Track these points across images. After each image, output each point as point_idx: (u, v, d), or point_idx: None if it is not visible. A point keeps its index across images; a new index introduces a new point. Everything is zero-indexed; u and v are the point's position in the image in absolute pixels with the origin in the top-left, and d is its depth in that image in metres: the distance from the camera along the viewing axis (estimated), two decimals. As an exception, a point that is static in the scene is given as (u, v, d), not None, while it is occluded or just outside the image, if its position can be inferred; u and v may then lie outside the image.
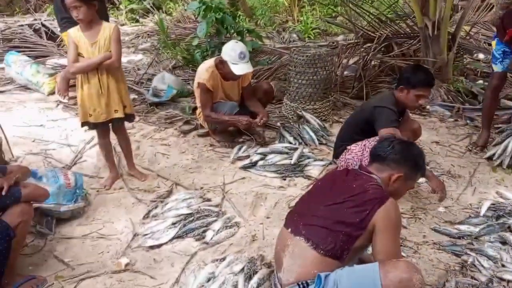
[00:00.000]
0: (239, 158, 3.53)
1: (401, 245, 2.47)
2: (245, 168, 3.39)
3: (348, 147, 2.94)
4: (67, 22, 3.68)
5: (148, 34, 7.80)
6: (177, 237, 2.56)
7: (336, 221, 1.81)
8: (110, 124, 3.04)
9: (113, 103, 2.91)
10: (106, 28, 2.82)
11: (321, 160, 3.48)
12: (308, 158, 3.50)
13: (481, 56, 5.63)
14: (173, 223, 2.64)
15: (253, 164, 3.42)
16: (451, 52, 4.76)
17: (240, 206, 2.89)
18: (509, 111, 4.25)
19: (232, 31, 5.33)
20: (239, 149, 3.63)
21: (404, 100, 2.87)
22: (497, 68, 3.46)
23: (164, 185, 3.16)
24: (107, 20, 3.39)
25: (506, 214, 2.73)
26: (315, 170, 3.35)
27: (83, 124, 3.01)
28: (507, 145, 3.39)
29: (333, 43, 6.19)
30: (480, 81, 4.91)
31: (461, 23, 4.93)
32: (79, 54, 2.80)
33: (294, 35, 7.66)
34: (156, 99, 4.59)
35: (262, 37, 6.20)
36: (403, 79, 2.86)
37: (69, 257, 2.46)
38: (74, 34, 2.81)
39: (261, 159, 3.46)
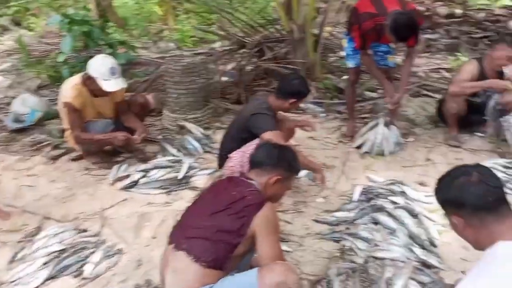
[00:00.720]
0: (119, 179, 3.31)
1: (287, 241, 2.57)
2: (126, 188, 3.20)
3: (229, 155, 2.98)
4: None
5: (7, 54, 6.99)
6: (51, 278, 2.29)
7: (217, 230, 1.80)
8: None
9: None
10: None
11: (206, 169, 3.45)
12: (193, 168, 3.45)
13: (343, 53, 6.17)
14: (45, 263, 2.36)
15: (135, 183, 3.24)
16: (317, 52, 5.13)
17: (122, 231, 2.71)
18: (371, 101, 4.74)
19: (102, 43, 5.05)
20: (119, 168, 3.42)
21: (280, 107, 3.01)
22: (350, 64, 3.81)
23: (33, 222, 2.82)
24: None
25: (375, 196, 2.97)
26: (201, 180, 3.30)
27: None
28: (375, 136, 3.71)
29: (211, 49, 6.24)
30: (346, 77, 5.36)
31: (323, 25, 5.35)
32: None
33: (172, 44, 7.54)
34: (18, 125, 4.12)
35: (136, 48, 5.99)
36: (282, 91, 2.98)
37: None
38: None
39: (143, 176, 3.30)
